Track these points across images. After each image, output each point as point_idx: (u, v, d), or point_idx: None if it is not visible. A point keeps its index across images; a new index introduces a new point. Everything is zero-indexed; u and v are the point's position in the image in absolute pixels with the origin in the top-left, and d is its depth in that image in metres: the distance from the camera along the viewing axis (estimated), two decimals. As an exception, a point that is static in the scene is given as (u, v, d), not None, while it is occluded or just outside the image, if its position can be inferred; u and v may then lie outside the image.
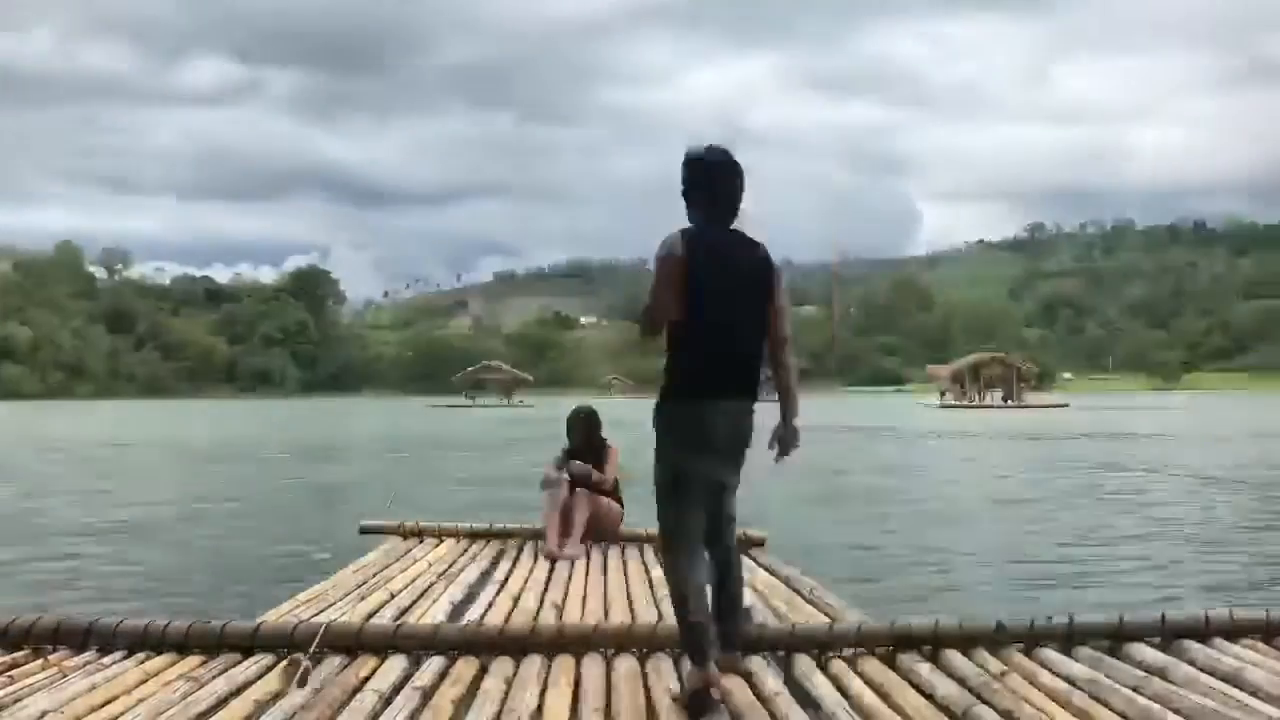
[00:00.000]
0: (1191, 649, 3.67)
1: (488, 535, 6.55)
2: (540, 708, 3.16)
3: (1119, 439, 28.01)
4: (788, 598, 4.77)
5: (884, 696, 3.27)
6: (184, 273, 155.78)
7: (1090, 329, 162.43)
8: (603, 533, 6.25)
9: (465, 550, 6.19)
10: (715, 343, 3.35)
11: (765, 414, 3.54)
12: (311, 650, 3.53)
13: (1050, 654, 3.66)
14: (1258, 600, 6.79)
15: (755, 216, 3.52)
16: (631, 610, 4.57)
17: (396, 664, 3.57)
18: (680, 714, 3.11)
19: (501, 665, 3.57)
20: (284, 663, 3.47)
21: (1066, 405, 61.10)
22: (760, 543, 6.25)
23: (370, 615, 4.32)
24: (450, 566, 5.64)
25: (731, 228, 3.46)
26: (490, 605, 4.66)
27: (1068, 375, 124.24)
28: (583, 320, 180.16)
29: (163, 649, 3.70)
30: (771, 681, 3.38)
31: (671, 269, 3.31)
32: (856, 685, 3.38)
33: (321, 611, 4.37)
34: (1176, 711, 2.99)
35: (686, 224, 3.43)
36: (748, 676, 3.44)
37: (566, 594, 4.93)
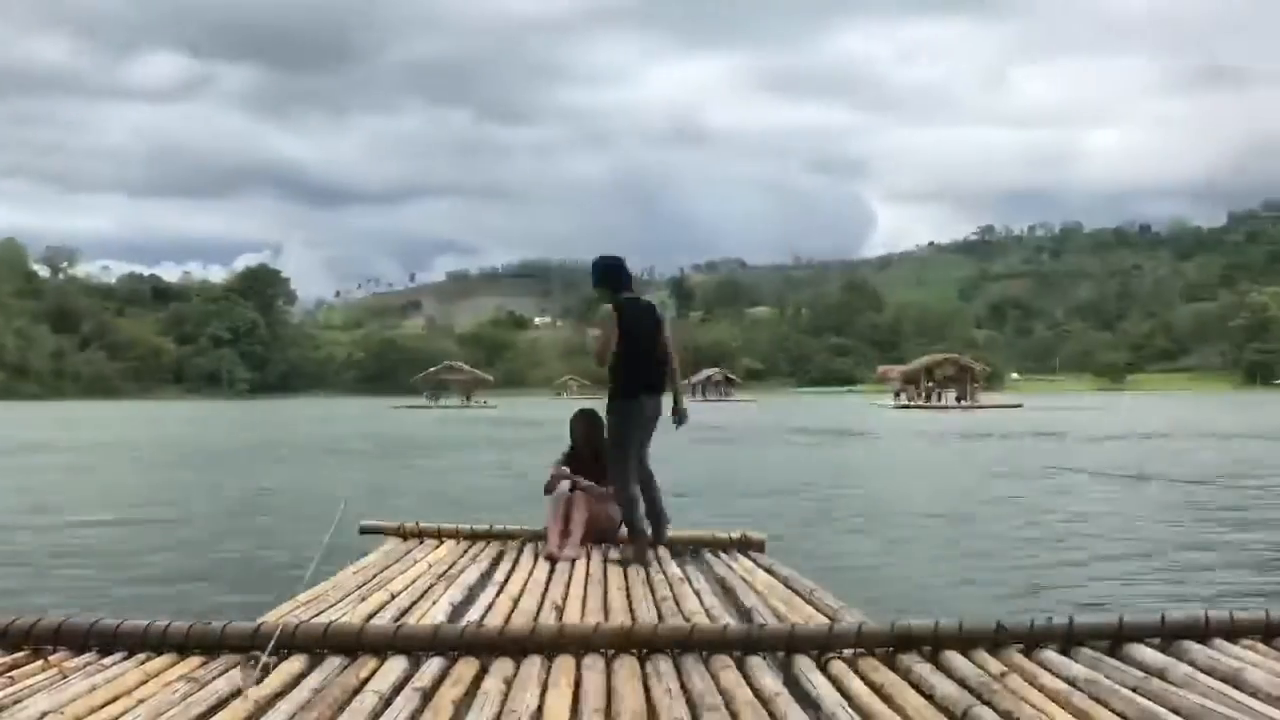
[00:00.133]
0: (1191, 649, 3.66)
1: (487, 536, 6.55)
2: (540, 708, 3.16)
3: (1095, 441, 28.00)
4: (787, 598, 4.78)
5: (884, 697, 3.26)
6: (130, 271, 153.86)
7: (1038, 330, 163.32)
8: (602, 534, 6.27)
9: (465, 551, 6.19)
10: (637, 362, 5.87)
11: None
12: (270, 649, 3.53)
13: (1050, 655, 3.65)
14: (1258, 601, 6.81)
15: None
16: (631, 611, 4.57)
17: (396, 665, 3.56)
18: (680, 708, 3.12)
19: (501, 666, 3.57)
20: (246, 660, 3.48)
21: (1020, 405, 61.53)
22: (760, 544, 6.26)
23: (370, 616, 4.31)
24: (450, 567, 5.64)
25: (634, 295, 6.03)
26: (490, 606, 4.66)
27: (1015, 376, 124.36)
28: (537, 320, 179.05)
29: (163, 650, 3.69)
30: (771, 682, 3.38)
31: (611, 323, 5.87)
32: (856, 686, 3.38)
33: (322, 612, 4.37)
34: (1176, 712, 2.99)
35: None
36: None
37: (566, 595, 4.93)
